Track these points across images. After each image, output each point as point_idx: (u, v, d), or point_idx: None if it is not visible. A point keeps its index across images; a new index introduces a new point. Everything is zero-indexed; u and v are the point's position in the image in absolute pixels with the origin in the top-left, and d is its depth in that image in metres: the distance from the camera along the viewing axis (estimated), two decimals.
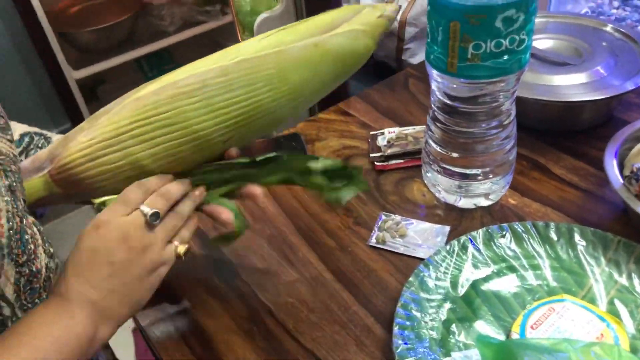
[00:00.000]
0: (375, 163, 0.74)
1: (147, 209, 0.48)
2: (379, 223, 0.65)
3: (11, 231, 0.44)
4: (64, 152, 0.51)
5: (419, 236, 0.63)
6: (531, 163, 0.72)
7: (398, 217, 0.65)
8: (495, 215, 0.64)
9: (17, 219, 0.45)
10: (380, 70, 1.75)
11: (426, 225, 0.64)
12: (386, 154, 0.74)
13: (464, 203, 0.66)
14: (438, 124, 0.63)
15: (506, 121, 0.61)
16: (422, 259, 0.57)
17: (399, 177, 0.72)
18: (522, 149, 0.73)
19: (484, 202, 0.66)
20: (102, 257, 0.46)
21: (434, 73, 0.58)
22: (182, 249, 0.50)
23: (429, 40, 0.58)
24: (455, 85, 0.58)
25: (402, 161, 0.74)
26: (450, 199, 0.67)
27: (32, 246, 0.47)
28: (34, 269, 0.47)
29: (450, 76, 0.56)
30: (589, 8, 1.15)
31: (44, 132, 0.64)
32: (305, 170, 0.54)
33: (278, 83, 0.51)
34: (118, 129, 0.49)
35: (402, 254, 0.61)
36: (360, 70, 0.57)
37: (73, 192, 0.52)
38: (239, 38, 1.11)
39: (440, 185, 0.67)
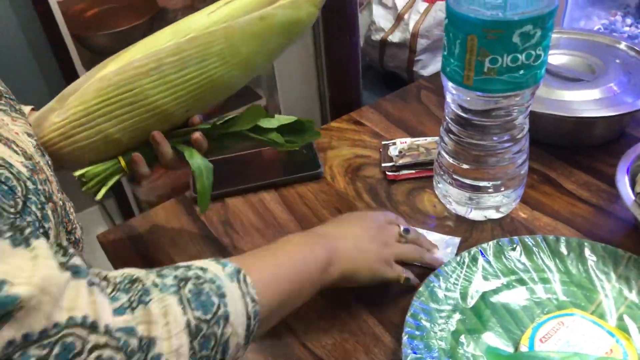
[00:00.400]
0: (387, 173, 0.75)
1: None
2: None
3: (61, 202, 0.46)
4: (40, 133, 0.55)
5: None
6: (542, 177, 0.72)
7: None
8: (505, 228, 0.65)
9: (61, 193, 0.48)
10: (391, 81, 1.76)
11: (436, 236, 0.65)
12: (398, 164, 0.75)
13: (475, 215, 0.66)
14: (451, 136, 0.63)
15: (519, 135, 0.62)
16: (432, 269, 0.57)
17: (411, 188, 0.73)
18: (534, 163, 0.73)
19: (494, 215, 0.66)
20: (360, 225, 0.56)
21: (450, 85, 0.59)
22: (405, 275, 0.56)
23: (445, 52, 0.58)
24: (469, 98, 0.58)
25: (413, 172, 0.74)
26: (461, 210, 0.67)
27: (72, 217, 0.51)
28: (75, 238, 0.50)
29: (466, 89, 0.57)
30: (601, 25, 1.16)
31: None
32: (262, 128, 0.60)
33: (229, 57, 0.56)
34: (87, 109, 0.54)
35: (413, 264, 0.61)
36: (372, 81, 0.59)
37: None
38: None
39: (451, 197, 0.67)
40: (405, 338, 0.50)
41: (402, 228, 0.58)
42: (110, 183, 0.58)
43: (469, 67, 0.55)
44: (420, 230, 0.64)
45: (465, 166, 0.63)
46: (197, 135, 0.58)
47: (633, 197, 0.57)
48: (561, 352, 0.45)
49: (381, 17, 1.72)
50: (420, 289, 0.55)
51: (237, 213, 0.72)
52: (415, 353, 0.49)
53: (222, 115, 0.61)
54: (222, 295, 0.38)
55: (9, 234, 0.30)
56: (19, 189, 0.37)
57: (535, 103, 0.73)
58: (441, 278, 0.56)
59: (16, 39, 1.70)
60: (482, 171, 0.63)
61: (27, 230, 0.31)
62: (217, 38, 0.55)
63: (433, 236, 0.64)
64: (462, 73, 0.55)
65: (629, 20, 1.13)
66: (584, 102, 0.74)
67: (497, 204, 0.65)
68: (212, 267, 0.40)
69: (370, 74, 1.83)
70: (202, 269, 0.40)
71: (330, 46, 0.89)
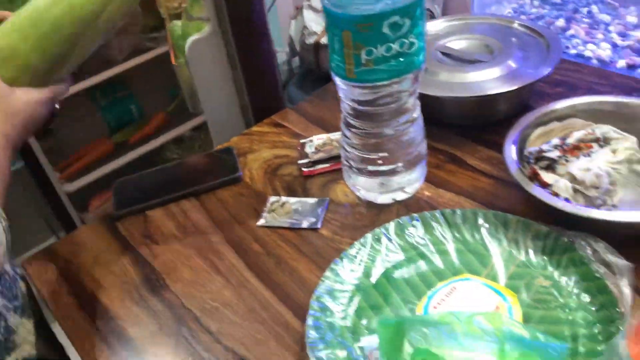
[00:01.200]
0: (303, 169, 0.78)
1: None
2: (267, 205, 0.72)
3: None
4: None
5: (302, 210, 0.70)
6: (448, 157, 0.76)
7: (283, 198, 0.72)
8: (410, 208, 0.68)
9: None
10: (328, 82, 1.80)
11: (307, 200, 0.71)
12: (313, 159, 0.78)
13: (383, 199, 0.69)
14: (350, 128, 0.66)
15: (414, 114, 0.65)
16: (316, 229, 0.63)
17: (326, 181, 0.76)
18: (440, 144, 0.77)
19: (401, 196, 0.69)
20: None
21: (337, 80, 0.62)
22: None
23: (330, 50, 0.61)
24: (357, 91, 0.62)
25: (327, 165, 0.77)
26: (370, 196, 0.70)
27: None
28: None
29: (350, 82, 0.60)
30: (512, 9, 1.21)
31: None
32: None
33: None
34: None
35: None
36: (312, 84, 0.62)
37: None
38: (173, 62, 1.15)
39: (359, 185, 0.70)
40: (309, 320, 0.53)
41: None
42: None
43: (349, 60, 0.58)
44: (293, 198, 0.67)
45: (367, 155, 0.66)
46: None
47: (517, 166, 0.61)
48: (440, 313, 0.48)
49: (312, 21, 1.76)
50: (326, 272, 0.58)
51: (158, 225, 0.73)
52: (318, 333, 0.52)
53: None
54: None
55: None
56: None
57: (438, 87, 0.78)
58: (346, 260, 0.59)
59: None
60: (382, 156, 0.66)
61: None
62: None
63: (304, 200, 0.67)
64: (344, 67, 0.59)
65: (536, 3, 1.19)
66: (484, 81, 0.78)
67: (402, 185, 0.68)
68: None
69: (310, 78, 1.86)
70: None
71: (244, 56, 0.91)
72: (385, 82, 0.59)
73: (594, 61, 0.90)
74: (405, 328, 0.44)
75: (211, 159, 0.84)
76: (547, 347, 0.43)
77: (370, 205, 0.70)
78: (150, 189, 0.78)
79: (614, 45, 0.91)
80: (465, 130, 0.80)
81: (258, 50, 0.90)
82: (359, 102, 0.63)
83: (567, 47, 0.94)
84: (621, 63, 0.87)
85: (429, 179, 0.71)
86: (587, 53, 0.91)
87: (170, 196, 0.76)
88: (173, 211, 0.75)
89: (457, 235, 0.60)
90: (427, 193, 0.70)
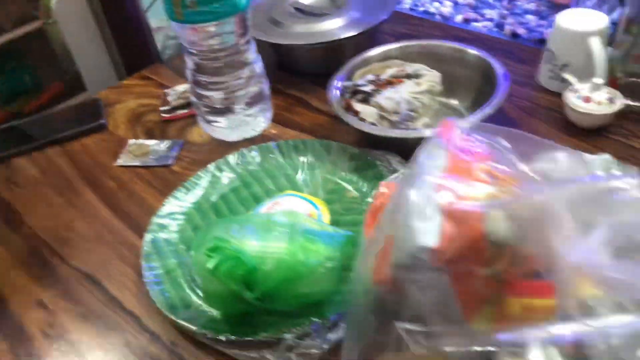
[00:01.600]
0: (163, 115, 0.83)
1: None
2: (126, 147, 0.77)
3: None
4: None
5: (158, 150, 0.76)
6: (296, 100, 0.83)
7: (141, 141, 0.78)
8: (257, 144, 0.75)
9: None
10: None
11: (163, 141, 0.78)
12: (172, 106, 0.83)
13: (234, 137, 0.76)
14: (196, 74, 0.72)
15: (249, 59, 0.71)
16: (168, 166, 0.70)
17: (184, 125, 0.82)
18: (293, 90, 0.85)
19: (249, 134, 0.76)
20: None
21: (173, 24, 0.67)
22: None
23: None
24: (188, 32, 0.67)
25: (186, 111, 0.83)
26: (222, 135, 0.77)
27: None
28: None
29: (180, 23, 0.65)
30: None
31: None
32: None
33: None
34: None
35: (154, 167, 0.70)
36: None
37: None
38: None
39: (212, 125, 0.76)
40: (147, 236, 0.59)
41: None
42: None
43: (176, 3, 0.63)
44: (152, 140, 0.73)
45: (213, 97, 0.72)
46: None
47: (337, 97, 0.69)
48: (245, 215, 0.56)
49: None
50: (168, 197, 0.64)
51: (22, 171, 0.77)
52: (154, 247, 0.58)
53: None
54: None
55: None
56: None
57: (289, 38, 0.85)
58: (188, 186, 0.66)
59: None
60: (229, 98, 0.73)
61: None
62: None
63: (157, 143, 0.74)
64: (173, 9, 0.64)
65: None
66: (330, 30, 0.86)
67: (250, 124, 0.75)
68: None
69: None
70: None
71: (110, 13, 0.94)
72: (211, 23, 0.65)
73: (438, 17, 1.00)
74: (215, 226, 0.51)
75: (77, 110, 0.88)
76: (331, 235, 0.52)
77: (221, 143, 0.77)
78: (15, 138, 0.81)
79: (455, 3, 1.02)
80: (318, 78, 0.87)
81: (122, 6, 0.94)
82: (194, 44, 0.69)
83: (416, 5, 1.04)
84: (459, 18, 0.98)
85: (277, 120, 0.79)
86: (432, 10, 1.01)
87: (35, 144, 0.80)
88: (38, 158, 0.79)
89: (288, 161, 0.68)
90: (273, 131, 0.78)
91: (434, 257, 0.31)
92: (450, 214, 0.31)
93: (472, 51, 0.72)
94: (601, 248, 0.34)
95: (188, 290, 0.55)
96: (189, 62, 0.72)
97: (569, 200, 0.32)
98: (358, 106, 0.67)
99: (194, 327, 0.50)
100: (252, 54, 0.72)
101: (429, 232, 0.31)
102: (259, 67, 0.73)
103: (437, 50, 0.75)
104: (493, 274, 0.32)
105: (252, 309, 0.49)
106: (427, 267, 0.31)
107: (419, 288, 0.32)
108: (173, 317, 0.52)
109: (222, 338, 0.49)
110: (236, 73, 0.71)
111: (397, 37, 0.95)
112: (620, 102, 0.68)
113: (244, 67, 0.71)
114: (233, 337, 0.49)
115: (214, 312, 0.53)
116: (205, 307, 0.53)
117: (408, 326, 0.33)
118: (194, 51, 0.69)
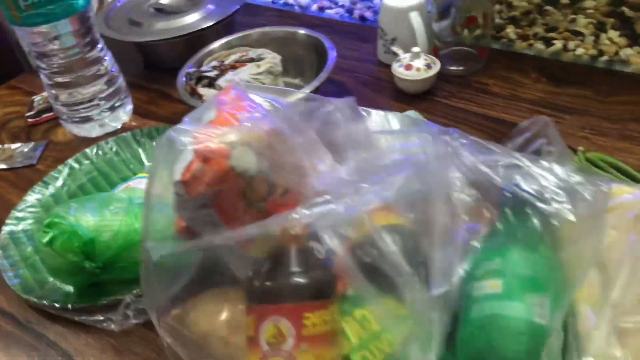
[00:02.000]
0: (29, 120, 0.85)
1: None
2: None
3: None
4: None
5: (22, 153, 0.79)
6: (158, 93, 0.88)
7: (6, 146, 0.81)
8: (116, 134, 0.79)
9: None
10: None
11: (27, 144, 0.81)
12: (36, 110, 0.86)
13: (96, 132, 0.80)
14: (46, 75, 0.75)
15: (99, 57, 0.76)
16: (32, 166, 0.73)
17: (49, 127, 0.85)
18: (155, 85, 0.89)
19: (110, 128, 0.81)
20: None
21: (15, 28, 0.71)
22: None
23: None
24: (30, 35, 0.70)
25: (51, 114, 0.86)
26: (84, 132, 0.80)
27: None
28: None
29: (19, 26, 0.69)
30: None
31: None
32: None
33: None
34: None
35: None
36: None
37: None
38: None
39: (73, 124, 0.80)
40: (4, 228, 0.63)
41: None
42: None
43: (10, 6, 0.67)
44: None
45: (67, 97, 0.76)
46: None
47: (182, 83, 0.75)
48: (89, 196, 0.61)
49: None
50: (26, 195, 0.68)
51: None
52: (10, 233, 0.62)
53: None
54: None
55: None
56: None
57: (150, 35, 0.89)
58: (46, 182, 0.69)
59: None
60: (82, 96, 0.76)
61: None
62: None
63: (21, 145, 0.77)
64: (10, 13, 0.67)
65: None
66: (188, 24, 0.91)
67: (108, 119, 0.80)
68: None
69: None
70: None
71: None
72: (50, 25, 0.68)
73: (296, 7, 1.08)
74: (57, 207, 0.56)
75: None
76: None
77: (85, 139, 0.80)
78: None
79: None
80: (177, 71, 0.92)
81: None
82: (37, 46, 0.71)
83: None
84: (314, 7, 1.06)
85: (139, 112, 0.84)
86: (291, 1, 1.09)
87: None
88: None
89: (140, 148, 0.73)
90: (134, 123, 0.82)
91: (186, 189, 0.37)
92: (200, 154, 0.38)
93: (302, 31, 0.80)
94: (351, 174, 0.41)
95: (44, 273, 0.59)
96: (40, 65, 0.75)
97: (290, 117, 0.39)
98: (202, 90, 0.73)
99: (45, 302, 0.54)
100: (98, 53, 0.76)
101: (178, 170, 0.37)
102: (109, 64, 0.78)
103: (273, 35, 0.82)
104: (252, 205, 0.39)
105: (97, 279, 0.54)
106: (192, 204, 0.37)
107: (195, 225, 0.38)
108: (27, 297, 0.55)
109: (69, 306, 0.53)
110: (84, 72, 0.75)
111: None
112: (437, 67, 0.78)
113: (92, 66, 0.75)
114: (78, 306, 0.53)
115: (69, 288, 0.57)
116: (60, 284, 0.57)
117: None
118: (37, 53, 0.72)
